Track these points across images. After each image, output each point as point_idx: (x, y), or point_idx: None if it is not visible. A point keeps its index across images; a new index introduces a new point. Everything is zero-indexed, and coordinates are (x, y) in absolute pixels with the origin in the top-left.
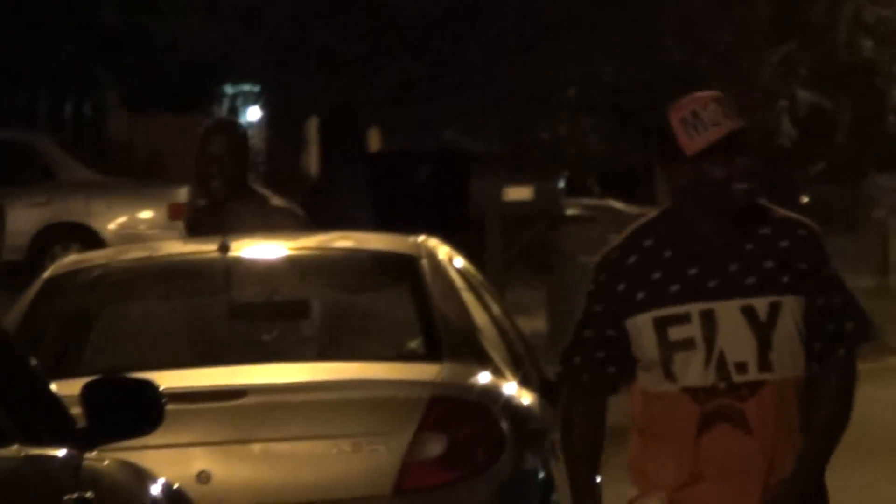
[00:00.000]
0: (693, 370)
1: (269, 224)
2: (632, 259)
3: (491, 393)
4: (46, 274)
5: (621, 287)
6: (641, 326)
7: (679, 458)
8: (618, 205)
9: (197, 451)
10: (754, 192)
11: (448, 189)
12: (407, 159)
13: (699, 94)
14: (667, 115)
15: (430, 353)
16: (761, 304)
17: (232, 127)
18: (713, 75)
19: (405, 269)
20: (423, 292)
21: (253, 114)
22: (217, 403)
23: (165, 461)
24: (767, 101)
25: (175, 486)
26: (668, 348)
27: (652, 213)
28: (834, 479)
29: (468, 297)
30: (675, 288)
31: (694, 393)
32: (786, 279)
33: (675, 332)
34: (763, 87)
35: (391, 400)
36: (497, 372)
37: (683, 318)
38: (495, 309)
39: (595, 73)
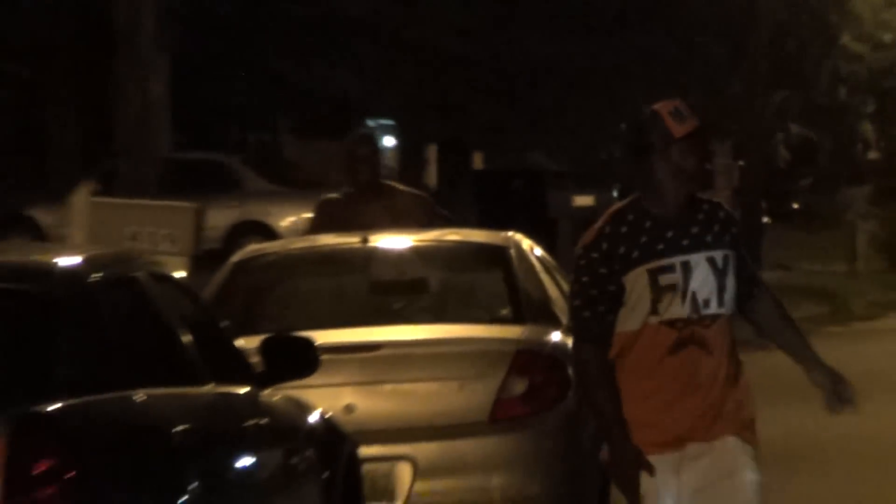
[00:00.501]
0: (674, 306)
1: (400, 205)
2: (623, 229)
3: (560, 347)
4: (234, 258)
5: (622, 250)
6: (637, 277)
7: (650, 375)
8: None
9: (345, 389)
10: (712, 173)
11: (531, 197)
12: (502, 175)
13: (669, 100)
14: (655, 111)
15: (516, 318)
16: (718, 255)
17: (371, 137)
18: (728, 113)
19: (498, 256)
20: (511, 273)
21: (388, 141)
22: (359, 355)
23: (321, 397)
24: (768, 133)
25: (328, 415)
26: (659, 291)
27: (624, 202)
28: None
29: (545, 277)
30: (660, 247)
31: (672, 323)
32: (727, 238)
33: (664, 279)
34: (765, 122)
35: (486, 352)
36: (565, 332)
37: (669, 269)
38: (564, 286)
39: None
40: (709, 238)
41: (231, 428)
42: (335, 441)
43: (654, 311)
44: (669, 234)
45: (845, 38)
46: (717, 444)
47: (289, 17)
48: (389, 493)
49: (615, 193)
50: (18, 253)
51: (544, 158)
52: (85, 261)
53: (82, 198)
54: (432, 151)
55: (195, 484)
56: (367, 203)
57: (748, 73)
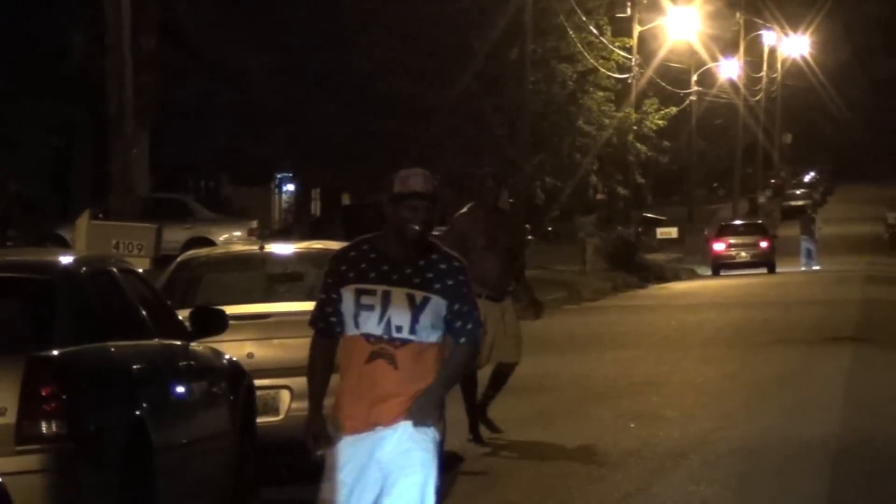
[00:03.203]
0: (371, 323)
1: (504, 220)
2: (352, 254)
3: None
4: (178, 259)
5: (343, 268)
6: (348, 293)
7: (354, 379)
8: None
9: (247, 343)
10: (424, 231)
11: (380, 224)
12: (360, 209)
13: (417, 169)
14: (398, 173)
15: None
16: (419, 295)
17: (497, 174)
18: (506, 169)
19: None
20: None
21: (290, 186)
22: (257, 321)
23: (231, 348)
24: (531, 181)
25: (235, 359)
26: (360, 308)
27: (369, 236)
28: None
29: None
30: (372, 275)
31: (368, 337)
32: (437, 286)
33: (365, 299)
34: (528, 174)
35: None
36: None
37: (371, 292)
38: None
39: (449, 168)
40: (417, 280)
41: (170, 367)
42: (239, 376)
43: (356, 324)
44: (385, 267)
45: (580, 122)
46: (399, 426)
47: (224, 105)
48: (275, 410)
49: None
50: (37, 254)
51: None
52: (76, 259)
53: (84, 221)
54: (317, 193)
55: (145, 403)
56: (487, 218)
57: (518, 144)
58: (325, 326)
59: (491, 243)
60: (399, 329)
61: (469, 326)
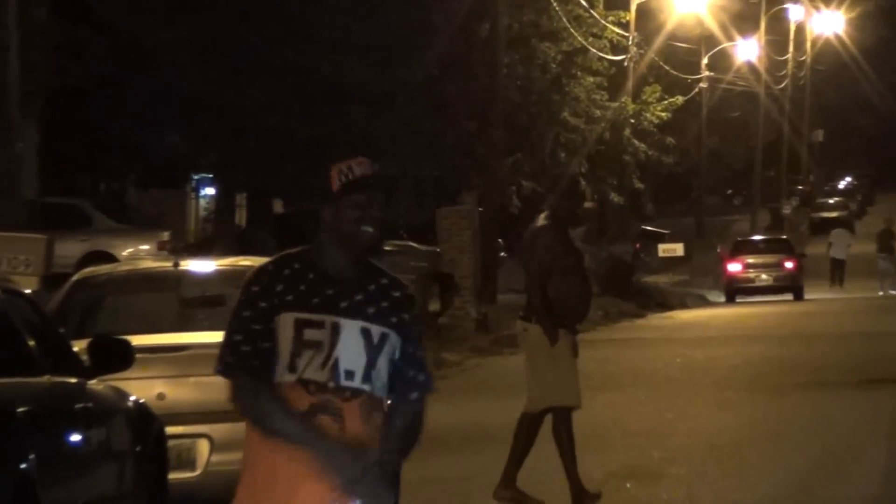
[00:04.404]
0: (313, 366)
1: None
2: (285, 271)
3: None
4: (74, 278)
5: (279, 288)
6: (285, 323)
7: (280, 445)
8: (415, 244)
9: (157, 381)
10: (380, 236)
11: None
12: (296, 217)
13: (356, 159)
14: (333, 165)
15: None
16: (375, 330)
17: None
18: (474, 171)
19: None
20: None
21: (209, 189)
22: (170, 354)
23: (137, 387)
24: (505, 186)
25: (142, 401)
26: (301, 345)
27: (296, 250)
28: None
29: None
30: (315, 301)
31: (307, 385)
32: (393, 320)
33: (309, 334)
34: (502, 178)
35: None
36: None
37: (318, 324)
38: None
39: (405, 169)
40: (371, 310)
41: (63, 410)
42: (147, 421)
43: (292, 366)
44: (329, 291)
45: (565, 114)
46: None
47: (133, 95)
48: (191, 463)
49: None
50: None
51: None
52: None
53: None
54: (242, 199)
55: (33, 455)
56: (566, 231)
57: (490, 140)
58: (261, 365)
59: (580, 263)
60: (350, 375)
61: (422, 378)
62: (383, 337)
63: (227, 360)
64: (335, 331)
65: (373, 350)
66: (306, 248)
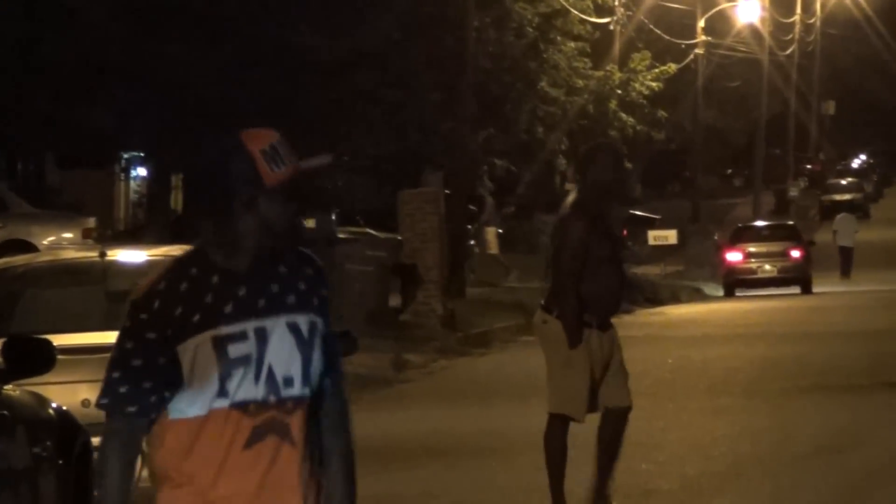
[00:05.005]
0: (246, 385)
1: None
2: (183, 286)
3: None
4: None
5: (178, 311)
6: (199, 347)
7: (220, 473)
8: (373, 231)
9: (81, 386)
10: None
11: None
12: None
13: (263, 131)
14: (246, 149)
15: None
16: (303, 321)
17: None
18: (439, 149)
19: None
20: None
21: (141, 170)
22: (96, 355)
23: (60, 393)
24: (475, 165)
25: (65, 408)
26: (228, 365)
27: (187, 251)
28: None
29: None
30: (229, 308)
31: (245, 407)
32: (315, 301)
33: (234, 350)
34: (472, 156)
35: None
36: None
37: (241, 336)
38: None
39: (361, 147)
40: (292, 298)
41: None
42: (71, 432)
43: (221, 391)
44: (241, 292)
45: (543, 83)
46: None
47: (53, 61)
48: None
49: (333, 216)
50: None
51: None
52: None
53: None
54: (178, 180)
55: None
56: (598, 217)
57: (458, 113)
58: (139, 410)
59: (614, 252)
60: (289, 383)
61: (338, 362)
62: (312, 326)
63: (101, 401)
64: (261, 337)
65: (305, 346)
66: (199, 247)
